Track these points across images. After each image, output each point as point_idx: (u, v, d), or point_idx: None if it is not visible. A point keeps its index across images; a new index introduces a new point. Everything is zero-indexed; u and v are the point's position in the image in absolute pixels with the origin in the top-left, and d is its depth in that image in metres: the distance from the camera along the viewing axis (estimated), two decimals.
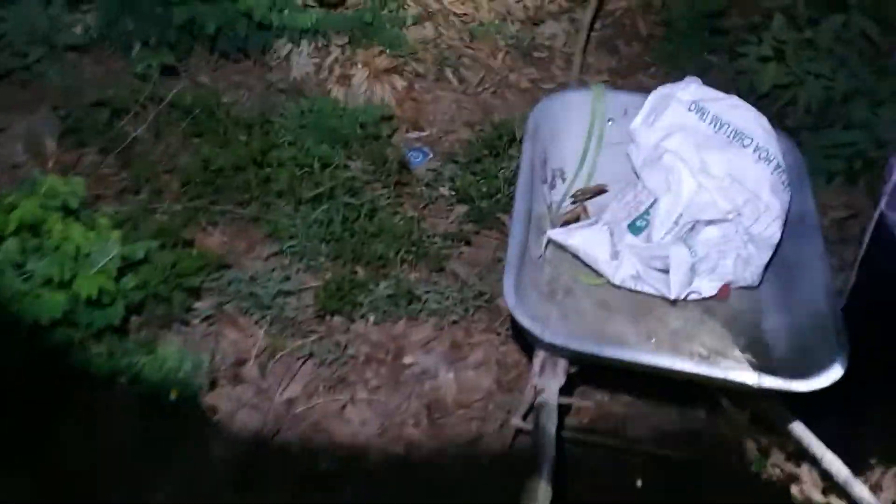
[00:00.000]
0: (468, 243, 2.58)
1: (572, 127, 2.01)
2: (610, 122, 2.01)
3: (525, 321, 1.71)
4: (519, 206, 1.83)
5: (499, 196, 2.59)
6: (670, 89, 2.00)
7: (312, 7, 3.17)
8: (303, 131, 2.76)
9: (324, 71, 3.34)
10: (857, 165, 2.75)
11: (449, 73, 3.46)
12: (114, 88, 2.88)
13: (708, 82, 3.38)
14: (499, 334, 2.41)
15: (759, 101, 2.92)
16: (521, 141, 2.90)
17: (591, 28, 3.45)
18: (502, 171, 2.65)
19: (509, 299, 1.72)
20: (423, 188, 2.74)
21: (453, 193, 2.67)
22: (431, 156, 2.98)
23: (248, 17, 2.93)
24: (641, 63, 3.61)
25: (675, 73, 3.41)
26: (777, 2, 3.24)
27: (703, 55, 3.47)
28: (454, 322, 2.41)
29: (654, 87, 3.53)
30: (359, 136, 2.82)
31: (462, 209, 2.64)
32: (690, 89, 1.97)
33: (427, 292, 2.38)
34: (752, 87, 3.07)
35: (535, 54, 3.60)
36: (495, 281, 2.39)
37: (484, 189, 2.58)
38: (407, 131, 3.21)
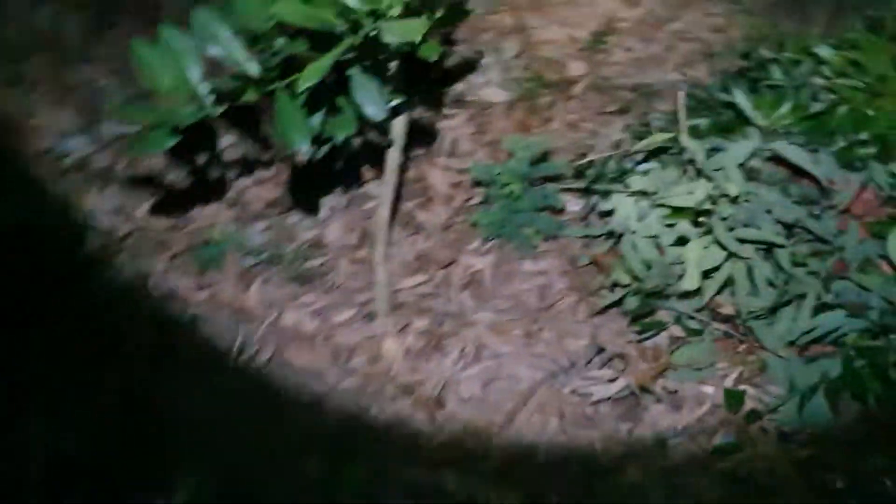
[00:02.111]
0: None
1: None
2: None
3: None
4: None
5: None
6: None
7: None
8: None
9: None
10: None
11: None
12: None
13: None
14: None
15: None
16: None
17: (393, 215, 2.25)
18: None
19: None
20: None
21: None
22: None
23: None
24: (462, 237, 2.46)
25: (509, 249, 2.32)
26: None
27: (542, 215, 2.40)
28: None
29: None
30: None
31: None
32: None
33: None
34: None
35: (306, 266, 2.33)
36: None
37: None
38: None
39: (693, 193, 1.94)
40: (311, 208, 2.40)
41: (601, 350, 2.06)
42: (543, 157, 2.41)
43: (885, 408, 1.79)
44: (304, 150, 1.55)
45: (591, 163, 2.37)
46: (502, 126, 2.78)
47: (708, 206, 1.93)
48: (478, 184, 2.44)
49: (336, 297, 2.29)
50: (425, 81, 2.57)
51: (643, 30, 3.15)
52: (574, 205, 2.42)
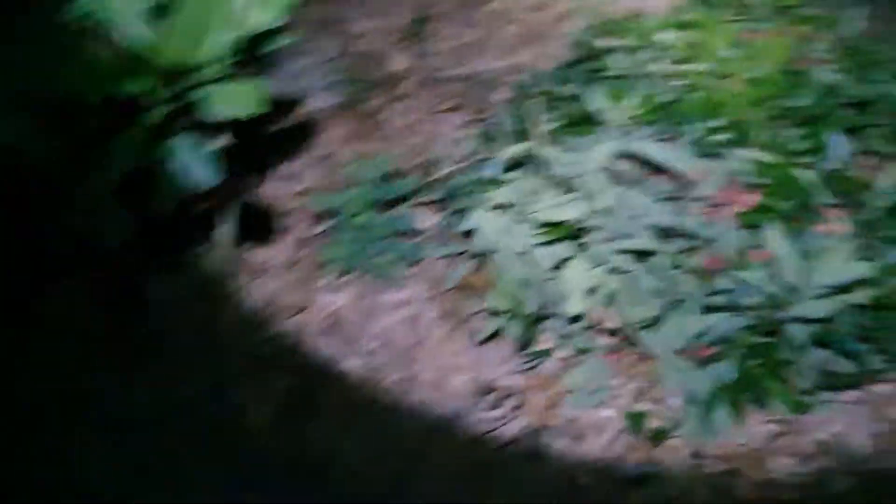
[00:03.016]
0: None
1: None
2: None
3: None
4: None
5: None
6: None
7: None
8: None
9: None
10: None
11: None
12: None
13: None
14: None
15: None
16: None
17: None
18: None
19: None
20: None
21: None
22: None
23: None
24: (310, 273, 2.23)
25: (367, 280, 2.13)
26: None
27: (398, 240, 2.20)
28: None
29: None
30: None
31: None
32: None
33: None
34: None
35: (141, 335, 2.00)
36: None
37: None
38: None
39: (564, 207, 1.79)
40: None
41: (491, 389, 1.89)
42: (389, 176, 2.19)
43: (786, 407, 1.75)
44: (118, 243, 1.23)
45: (446, 175, 2.18)
46: (335, 136, 2.53)
47: (585, 222, 1.79)
48: (322, 214, 2.18)
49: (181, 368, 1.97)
50: None
51: (461, 13, 2.99)
52: (428, 221, 2.23)
